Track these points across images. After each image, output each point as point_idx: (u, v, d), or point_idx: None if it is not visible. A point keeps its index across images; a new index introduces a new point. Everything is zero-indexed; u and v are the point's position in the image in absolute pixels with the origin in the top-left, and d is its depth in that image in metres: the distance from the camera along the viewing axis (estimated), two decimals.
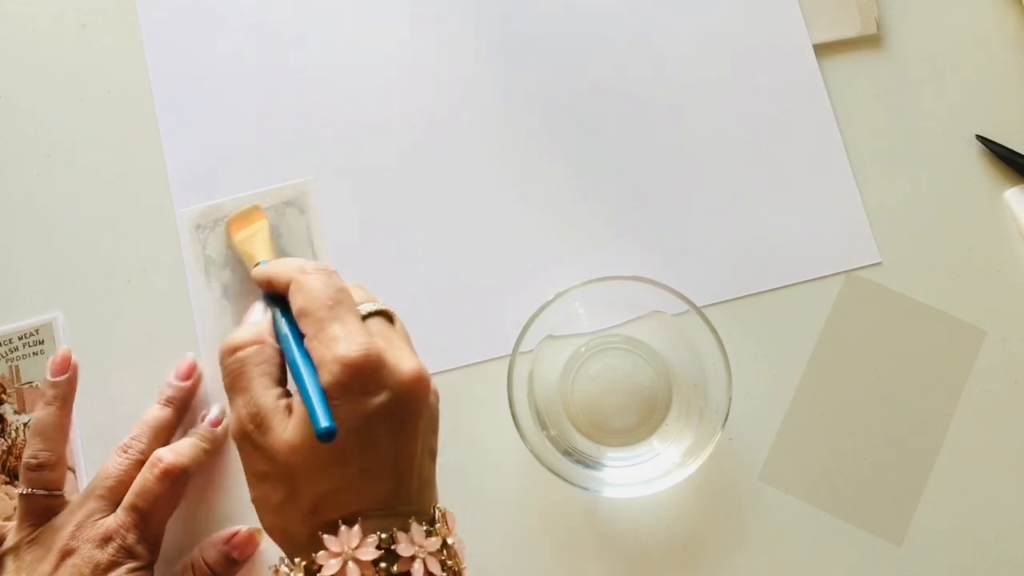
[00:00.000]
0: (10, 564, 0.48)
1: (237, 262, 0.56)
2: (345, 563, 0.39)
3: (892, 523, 0.52)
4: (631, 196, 0.56)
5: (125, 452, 0.50)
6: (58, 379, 0.51)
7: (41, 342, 0.55)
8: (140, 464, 0.50)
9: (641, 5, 0.59)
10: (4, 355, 0.55)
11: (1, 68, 0.59)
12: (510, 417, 0.48)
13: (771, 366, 0.54)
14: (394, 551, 0.40)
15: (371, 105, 0.58)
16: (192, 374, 0.54)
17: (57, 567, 0.47)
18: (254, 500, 0.43)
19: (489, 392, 0.52)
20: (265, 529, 0.43)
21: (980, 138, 0.56)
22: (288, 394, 0.43)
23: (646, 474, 0.50)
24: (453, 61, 0.59)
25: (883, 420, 0.53)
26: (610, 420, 0.53)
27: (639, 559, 0.51)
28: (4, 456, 0.53)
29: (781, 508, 0.52)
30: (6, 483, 0.53)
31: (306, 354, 0.42)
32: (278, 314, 0.45)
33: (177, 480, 0.49)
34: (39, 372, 0.54)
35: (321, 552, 0.40)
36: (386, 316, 0.45)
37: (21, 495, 0.49)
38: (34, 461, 0.49)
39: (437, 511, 0.43)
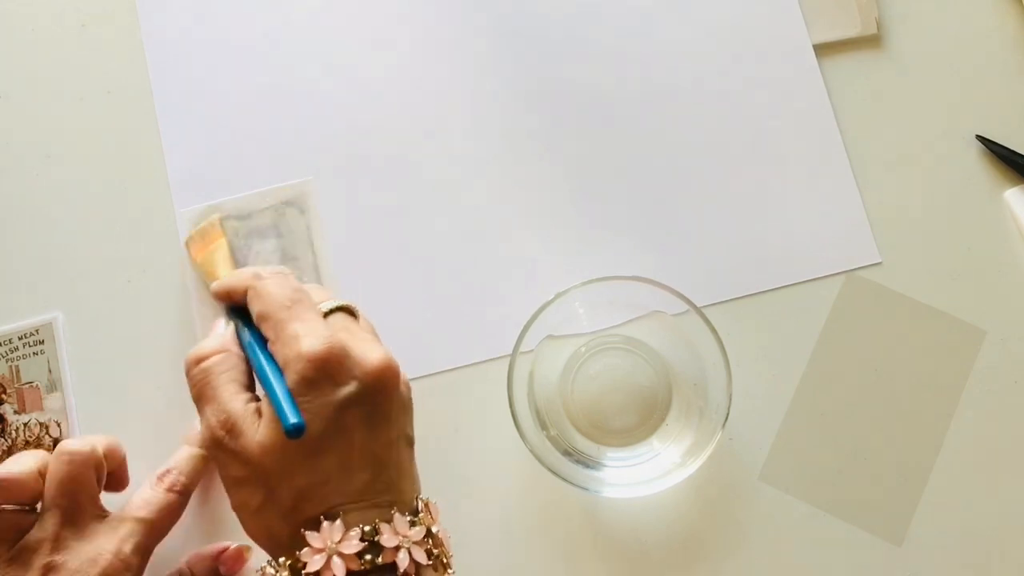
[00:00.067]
0: None
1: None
2: (330, 558, 0.39)
3: (892, 523, 0.52)
4: (631, 196, 0.56)
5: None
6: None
7: (41, 342, 0.55)
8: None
9: (641, 5, 0.59)
10: (4, 355, 0.54)
11: (1, 68, 0.59)
12: (510, 417, 0.48)
13: (771, 366, 0.54)
14: (378, 542, 0.40)
15: (371, 105, 0.58)
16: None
17: None
18: (235, 507, 0.42)
19: (489, 392, 0.52)
20: (250, 536, 0.42)
21: (980, 138, 0.56)
22: (257, 399, 0.43)
23: (646, 474, 0.50)
24: (453, 61, 0.59)
25: (883, 420, 0.53)
26: (610, 420, 0.53)
27: (639, 559, 0.51)
28: (4, 456, 0.53)
29: (781, 508, 0.52)
30: None
31: (270, 357, 0.42)
32: (239, 324, 0.45)
33: (184, 493, 0.48)
34: (39, 372, 0.54)
35: (305, 549, 0.40)
36: (348, 311, 0.45)
37: None
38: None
39: (420, 501, 0.43)
